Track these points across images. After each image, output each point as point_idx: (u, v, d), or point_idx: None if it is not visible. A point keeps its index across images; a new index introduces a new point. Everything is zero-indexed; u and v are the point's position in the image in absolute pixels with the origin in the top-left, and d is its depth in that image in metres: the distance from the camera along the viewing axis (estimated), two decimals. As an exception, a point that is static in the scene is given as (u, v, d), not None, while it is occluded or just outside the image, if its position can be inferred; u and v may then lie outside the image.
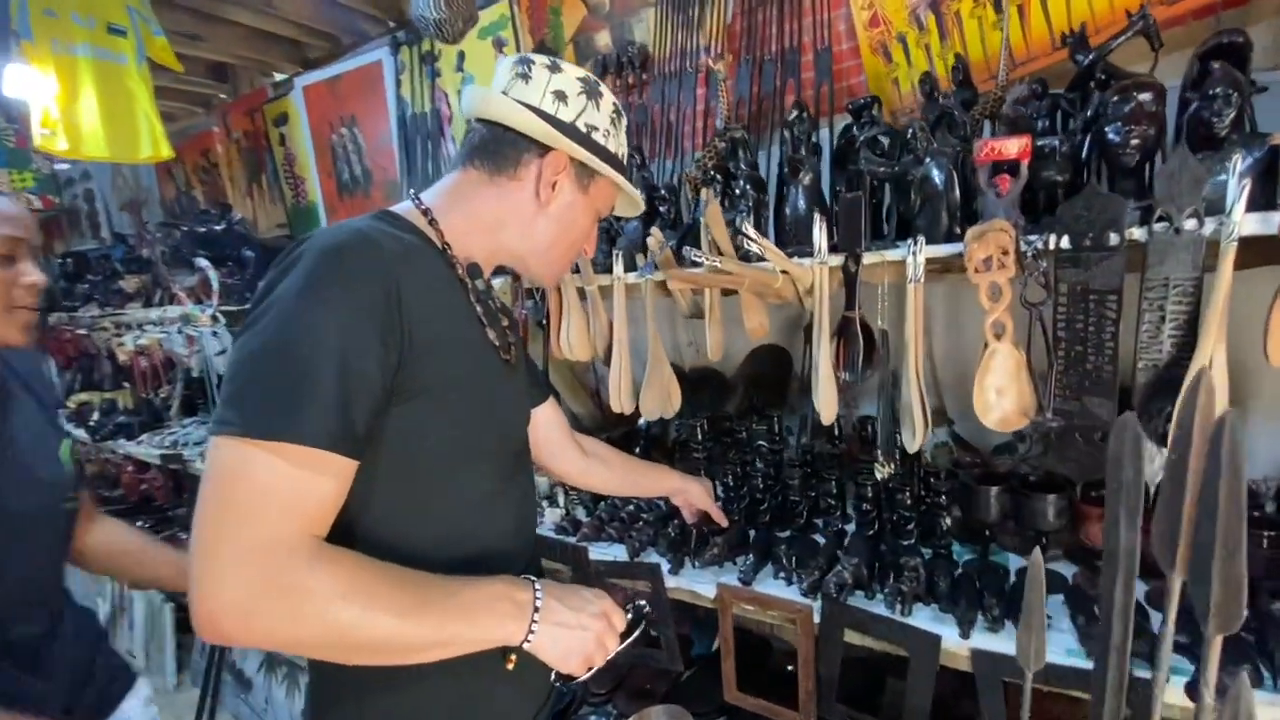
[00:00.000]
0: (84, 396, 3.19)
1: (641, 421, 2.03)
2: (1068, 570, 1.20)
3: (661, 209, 1.40)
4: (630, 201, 0.96)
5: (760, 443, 1.55)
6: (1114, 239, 0.92)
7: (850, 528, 1.39)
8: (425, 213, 0.81)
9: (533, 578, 0.74)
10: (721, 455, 1.63)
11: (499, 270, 0.95)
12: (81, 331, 3.20)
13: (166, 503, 3.06)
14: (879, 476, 1.15)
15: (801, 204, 1.19)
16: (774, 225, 1.34)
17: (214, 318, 2.33)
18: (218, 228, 2.49)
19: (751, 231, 1.02)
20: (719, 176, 1.30)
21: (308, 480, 0.61)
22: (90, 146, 2.30)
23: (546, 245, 0.87)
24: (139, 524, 1.94)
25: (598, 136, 0.86)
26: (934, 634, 1.05)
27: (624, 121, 0.92)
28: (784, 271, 1.18)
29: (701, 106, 1.72)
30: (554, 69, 0.84)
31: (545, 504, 1.73)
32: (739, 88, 1.64)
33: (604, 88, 0.87)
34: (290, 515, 0.60)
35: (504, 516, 0.84)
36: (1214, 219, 0.85)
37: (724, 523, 1.33)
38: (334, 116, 2.73)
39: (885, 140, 1.20)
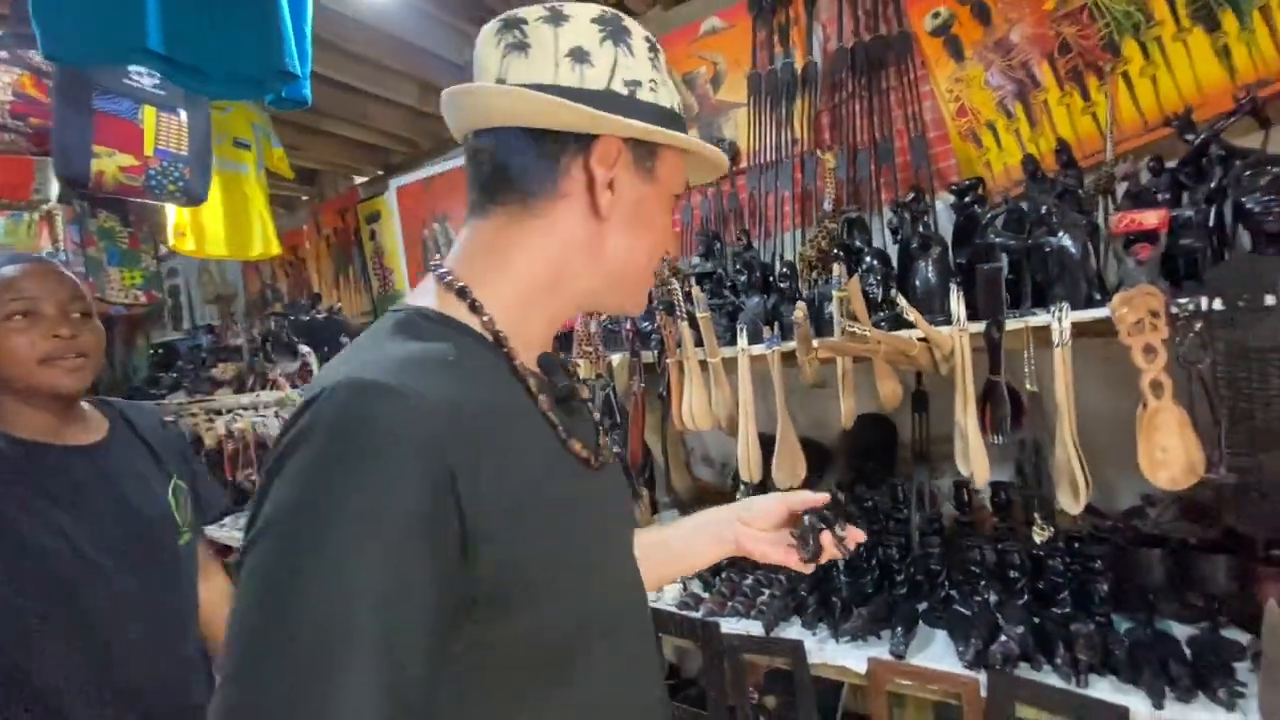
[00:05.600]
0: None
1: (739, 494, 2.04)
2: (1241, 637, 1.16)
3: (784, 285, 1.48)
4: (707, 164, 0.69)
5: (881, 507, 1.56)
6: (1270, 300, 0.97)
7: (991, 598, 1.36)
8: (462, 293, 0.60)
9: None
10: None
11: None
12: (169, 418, 3.33)
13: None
14: (1038, 539, 1.15)
15: (932, 276, 1.26)
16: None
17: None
18: (320, 316, 2.64)
19: (903, 301, 1.09)
20: (840, 253, 1.39)
21: None
22: (212, 246, 2.52)
23: (621, 267, 0.64)
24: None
25: (644, 95, 0.60)
26: (1121, 706, 1.02)
27: (663, 57, 0.64)
28: (922, 339, 1.23)
29: (798, 190, 1.85)
30: (556, 19, 0.58)
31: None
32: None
33: (627, 20, 0.61)
34: None
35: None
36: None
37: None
38: (425, 213, 2.94)
39: (1004, 217, 1.28)
